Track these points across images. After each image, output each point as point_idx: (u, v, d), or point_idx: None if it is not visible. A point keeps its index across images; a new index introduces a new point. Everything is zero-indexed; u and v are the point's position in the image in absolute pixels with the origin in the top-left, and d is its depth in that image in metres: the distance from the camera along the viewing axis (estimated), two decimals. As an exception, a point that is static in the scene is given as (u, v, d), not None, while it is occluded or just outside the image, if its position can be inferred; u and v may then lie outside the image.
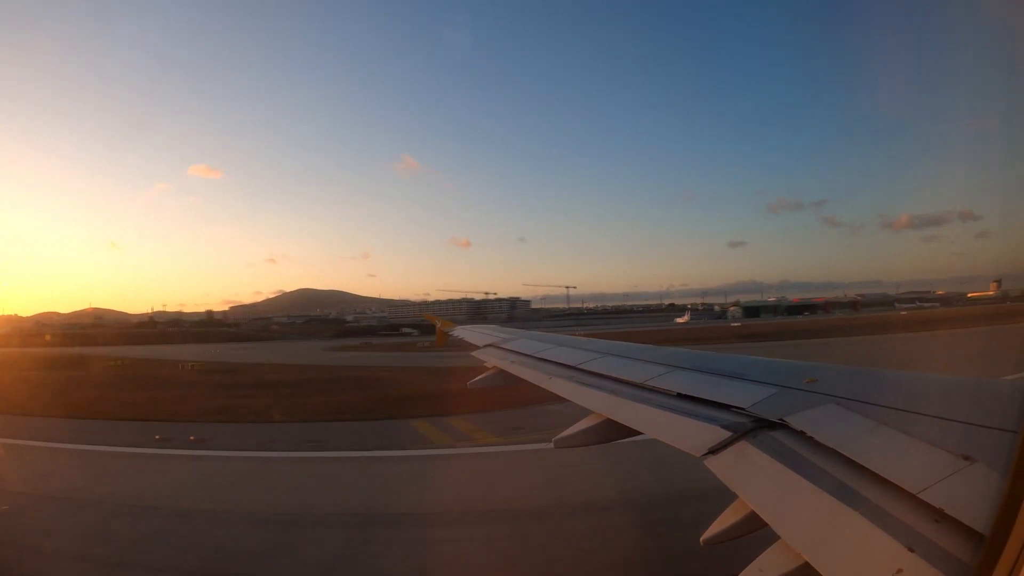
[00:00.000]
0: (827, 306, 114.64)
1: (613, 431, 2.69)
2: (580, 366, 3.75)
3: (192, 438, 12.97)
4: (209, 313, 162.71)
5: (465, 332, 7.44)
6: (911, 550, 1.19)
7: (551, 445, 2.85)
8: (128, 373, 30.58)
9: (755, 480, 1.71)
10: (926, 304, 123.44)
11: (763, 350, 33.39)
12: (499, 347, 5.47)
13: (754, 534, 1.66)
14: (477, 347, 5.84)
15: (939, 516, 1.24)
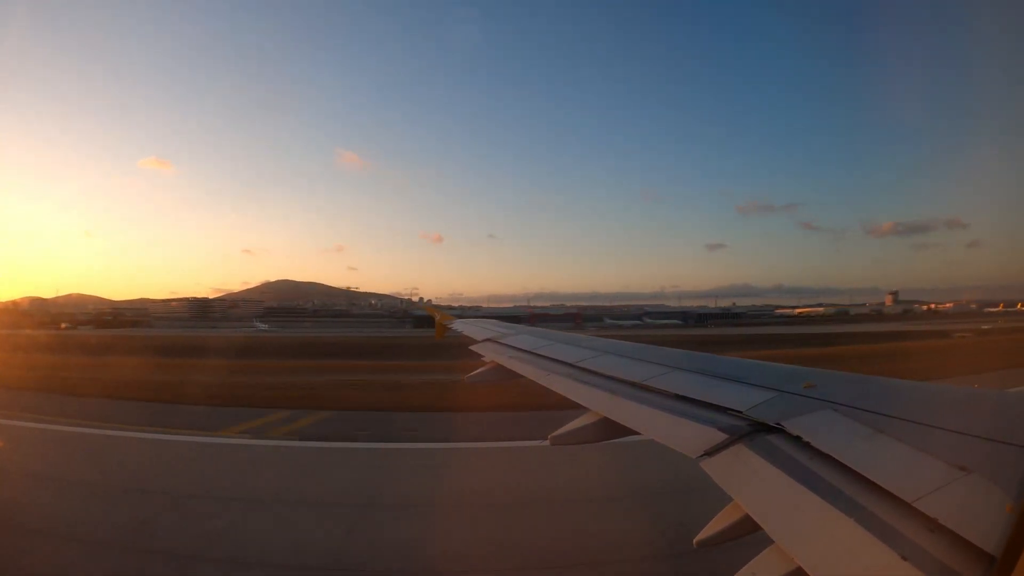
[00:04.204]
0: (532, 319, 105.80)
1: (610, 430, 2.69)
2: (578, 363, 3.75)
3: None
4: (12, 304, 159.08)
5: (464, 326, 7.44)
6: (904, 558, 1.19)
7: (547, 442, 2.86)
8: None
9: (750, 484, 1.71)
10: (661, 320, 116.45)
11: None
12: (497, 342, 5.47)
13: (748, 537, 1.66)
14: (476, 341, 5.85)
15: (934, 526, 1.24)
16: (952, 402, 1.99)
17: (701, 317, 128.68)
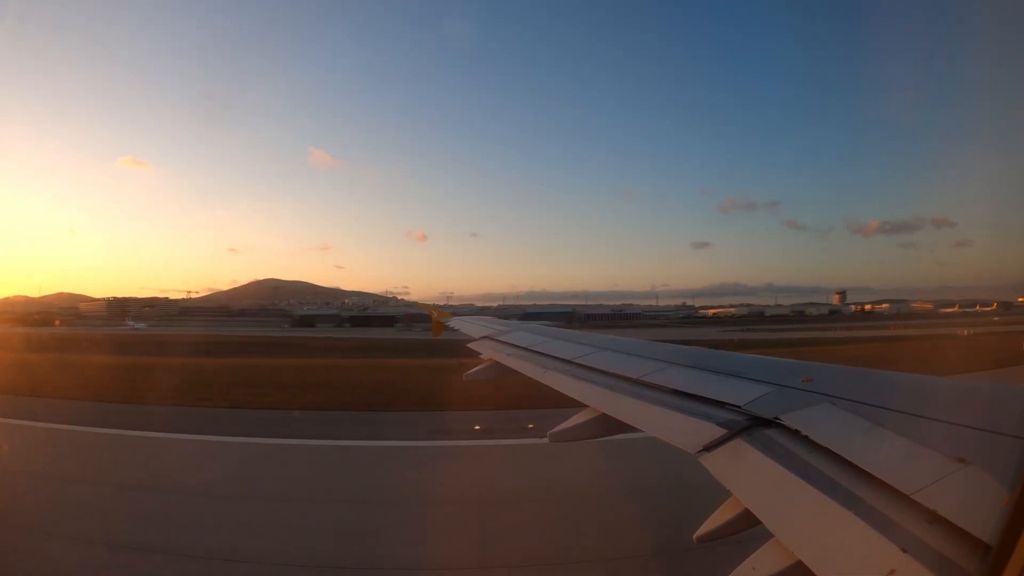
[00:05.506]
0: (407, 319, 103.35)
1: (609, 426, 2.68)
2: (576, 360, 3.74)
3: None
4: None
5: (461, 323, 7.42)
6: (904, 551, 1.19)
7: (546, 440, 2.86)
8: None
9: (749, 478, 1.71)
10: (534, 321, 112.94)
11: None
12: (495, 339, 5.46)
13: (748, 532, 1.66)
14: (473, 339, 5.83)
15: (932, 518, 1.24)
16: (950, 395, 1.99)
17: (588, 317, 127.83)
